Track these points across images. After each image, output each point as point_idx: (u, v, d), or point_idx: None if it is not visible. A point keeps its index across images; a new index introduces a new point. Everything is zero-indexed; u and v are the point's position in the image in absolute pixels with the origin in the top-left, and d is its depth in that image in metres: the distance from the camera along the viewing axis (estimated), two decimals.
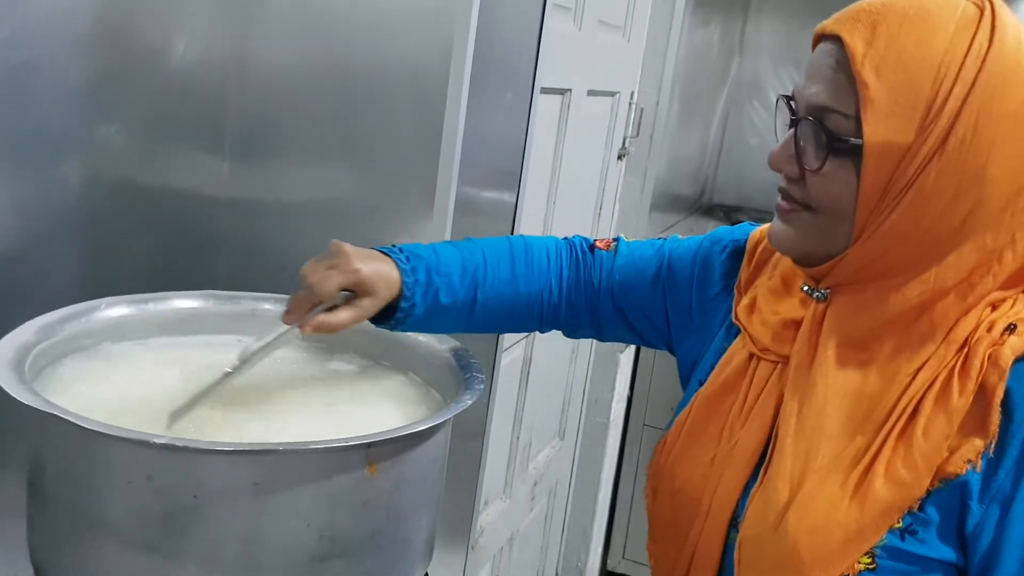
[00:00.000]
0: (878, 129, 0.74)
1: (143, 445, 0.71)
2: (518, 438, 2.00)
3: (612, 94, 2.14)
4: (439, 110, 1.18)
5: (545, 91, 1.57)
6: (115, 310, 0.98)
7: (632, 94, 2.27)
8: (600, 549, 2.80)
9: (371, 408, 0.95)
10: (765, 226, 0.96)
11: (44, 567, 0.81)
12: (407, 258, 0.95)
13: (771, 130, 2.98)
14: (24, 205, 1.02)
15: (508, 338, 1.68)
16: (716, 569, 0.86)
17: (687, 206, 3.09)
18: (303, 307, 0.89)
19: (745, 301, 0.92)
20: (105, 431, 0.71)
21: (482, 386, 0.90)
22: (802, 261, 0.84)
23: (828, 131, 0.76)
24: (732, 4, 3.06)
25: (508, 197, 1.48)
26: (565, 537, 2.62)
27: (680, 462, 0.90)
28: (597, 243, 1.07)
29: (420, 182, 1.22)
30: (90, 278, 1.11)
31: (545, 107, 1.66)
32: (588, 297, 1.05)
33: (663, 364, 2.67)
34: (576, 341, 2.30)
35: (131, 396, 0.88)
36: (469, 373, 0.93)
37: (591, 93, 1.94)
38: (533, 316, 1.05)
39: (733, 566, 0.83)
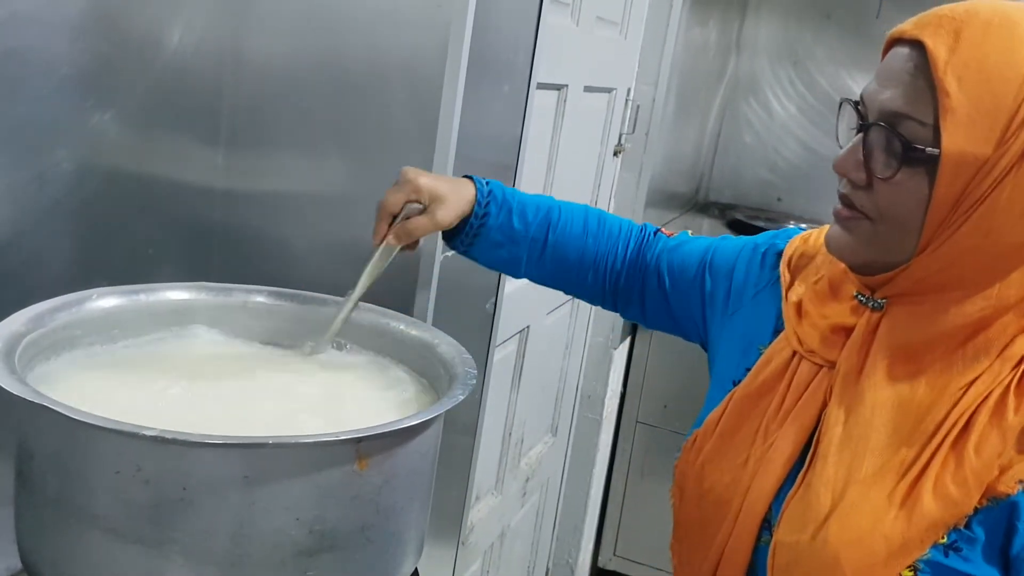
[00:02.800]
0: (957, 139, 0.72)
1: (133, 436, 0.70)
2: (510, 433, 2.00)
3: (609, 90, 2.14)
4: (435, 104, 1.18)
5: (542, 86, 1.57)
6: (107, 301, 0.97)
7: (628, 91, 2.27)
8: (591, 546, 2.81)
9: (363, 403, 0.94)
10: (807, 232, 0.97)
11: (31, 557, 0.80)
12: (486, 181, 1.06)
13: (767, 129, 2.99)
14: (17, 193, 1.02)
15: (502, 333, 1.68)
16: (744, 573, 0.85)
17: (683, 203, 3.09)
18: (384, 225, 1.01)
19: (792, 299, 0.91)
20: (95, 422, 0.70)
21: (474, 381, 0.89)
22: (860, 270, 0.83)
23: (903, 138, 0.74)
24: (730, 2, 3.06)
25: None
26: (556, 533, 2.62)
27: (711, 462, 0.89)
28: (663, 230, 1.13)
29: None
30: (82, 266, 1.11)
31: (541, 102, 1.66)
32: (641, 272, 1.10)
33: (656, 361, 2.67)
34: (571, 336, 2.30)
35: (121, 387, 0.88)
36: (462, 368, 0.93)
37: (588, 89, 1.94)
38: (598, 276, 1.10)
39: (763, 570, 0.82)
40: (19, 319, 0.86)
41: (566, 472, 2.57)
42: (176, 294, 1.03)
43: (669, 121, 2.56)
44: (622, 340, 2.57)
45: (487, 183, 1.06)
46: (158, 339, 1.00)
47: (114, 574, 0.75)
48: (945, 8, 0.75)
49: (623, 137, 2.29)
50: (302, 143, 1.27)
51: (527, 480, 2.20)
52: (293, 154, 1.29)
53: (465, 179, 1.06)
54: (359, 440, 0.76)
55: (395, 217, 1.01)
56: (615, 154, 2.29)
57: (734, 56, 3.23)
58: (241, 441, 0.73)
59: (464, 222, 1.04)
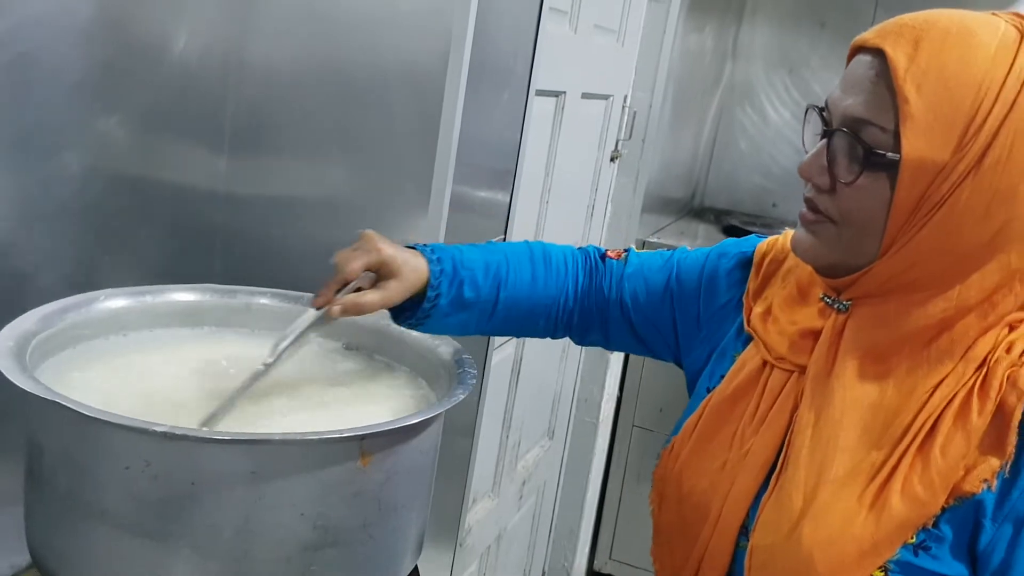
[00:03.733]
0: (916, 144, 0.74)
1: (143, 433, 0.72)
2: (507, 437, 2.02)
3: (606, 97, 2.16)
4: (436, 110, 1.20)
5: (540, 93, 1.59)
6: (114, 302, 0.99)
7: (625, 97, 2.29)
8: (587, 549, 2.82)
9: (365, 403, 0.96)
10: (772, 238, 0.99)
11: (41, 552, 0.82)
12: (432, 251, 0.99)
13: (762, 135, 3.01)
14: (24, 195, 1.04)
15: (499, 337, 1.69)
16: (725, 575, 0.87)
17: (678, 208, 3.11)
18: (331, 290, 0.92)
19: (759, 309, 0.92)
20: (106, 418, 0.72)
21: (474, 381, 0.91)
22: (825, 272, 0.84)
23: (865, 144, 0.76)
24: (726, 10, 3.08)
25: (502, 196, 1.50)
26: (552, 537, 2.63)
27: (688, 467, 0.91)
28: (608, 253, 1.10)
29: (416, 180, 1.23)
30: (87, 268, 1.13)
31: (540, 109, 1.68)
32: (599, 304, 1.07)
33: (653, 365, 2.68)
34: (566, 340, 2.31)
35: (129, 386, 0.90)
36: (462, 369, 0.94)
37: (585, 96, 1.96)
38: (550, 319, 1.07)
39: (742, 572, 0.84)
40: (30, 319, 0.88)
41: (562, 475, 2.59)
42: (182, 295, 1.05)
43: (665, 127, 2.59)
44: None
45: (436, 256, 0.98)
46: (164, 338, 1.02)
47: (122, 568, 0.76)
48: (906, 17, 0.77)
49: (620, 143, 2.31)
50: (304, 148, 1.29)
51: (524, 483, 2.22)
52: (295, 159, 1.31)
53: (413, 251, 0.98)
54: (362, 437, 0.78)
55: (344, 285, 0.93)
56: (612, 160, 2.31)
57: (730, 63, 3.26)
58: (248, 437, 0.76)
59: (413, 301, 0.97)
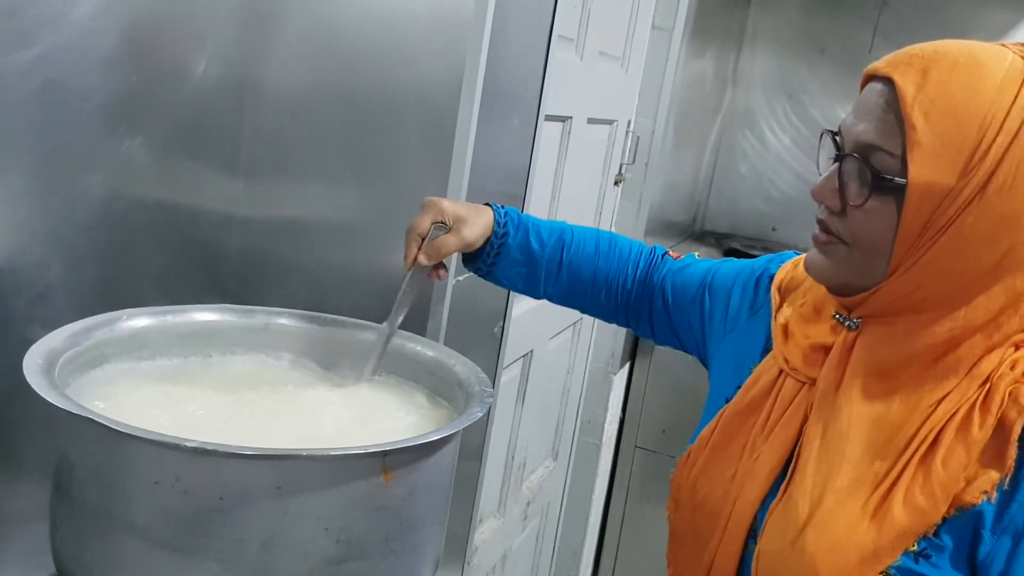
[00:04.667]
0: (923, 170, 0.76)
1: (174, 448, 0.74)
2: (513, 457, 2.04)
3: (610, 122, 2.20)
4: (449, 135, 1.22)
5: (548, 118, 1.62)
6: (137, 321, 1.01)
7: (629, 122, 2.33)
8: (589, 571, 2.83)
9: (382, 419, 0.98)
10: (798, 257, 1.02)
11: (69, 566, 0.83)
12: (502, 206, 1.14)
13: (762, 160, 3.05)
14: (49, 216, 1.06)
15: (507, 357, 1.71)
16: None
17: (680, 232, 3.14)
18: (412, 249, 1.07)
19: (780, 321, 0.96)
20: (137, 434, 0.74)
21: (491, 400, 0.93)
22: (837, 291, 0.87)
23: (873, 169, 0.79)
24: (726, 37, 3.13)
25: None
26: (556, 557, 2.64)
27: (703, 476, 0.94)
28: (671, 252, 1.19)
29: None
30: (108, 289, 1.15)
31: (547, 133, 1.71)
32: (649, 292, 1.16)
33: (655, 386, 2.71)
34: (572, 361, 2.34)
35: (156, 402, 0.92)
36: (478, 387, 0.97)
37: (591, 121, 1.99)
38: (611, 294, 1.17)
39: (750, 575, 0.86)
40: (57, 337, 0.90)
41: (566, 496, 2.60)
42: (202, 315, 1.07)
43: (668, 152, 2.62)
44: (621, 365, 2.61)
45: (503, 207, 1.14)
46: (188, 357, 1.04)
47: None
48: (916, 47, 0.80)
49: (624, 167, 2.34)
50: (319, 172, 1.32)
51: (528, 504, 2.23)
52: (310, 182, 1.33)
53: (482, 204, 1.13)
54: (385, 453, 0.80)
55: (423, 240, 1.07)
56: (616, 184, 2.34)
57: (730, 89, 3.30)
58: (275, 453, 0.77)
59: (484, 244, 1.12)
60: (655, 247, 1.21)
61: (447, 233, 1.07)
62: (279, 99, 1.31)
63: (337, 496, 0.79)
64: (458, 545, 1.63)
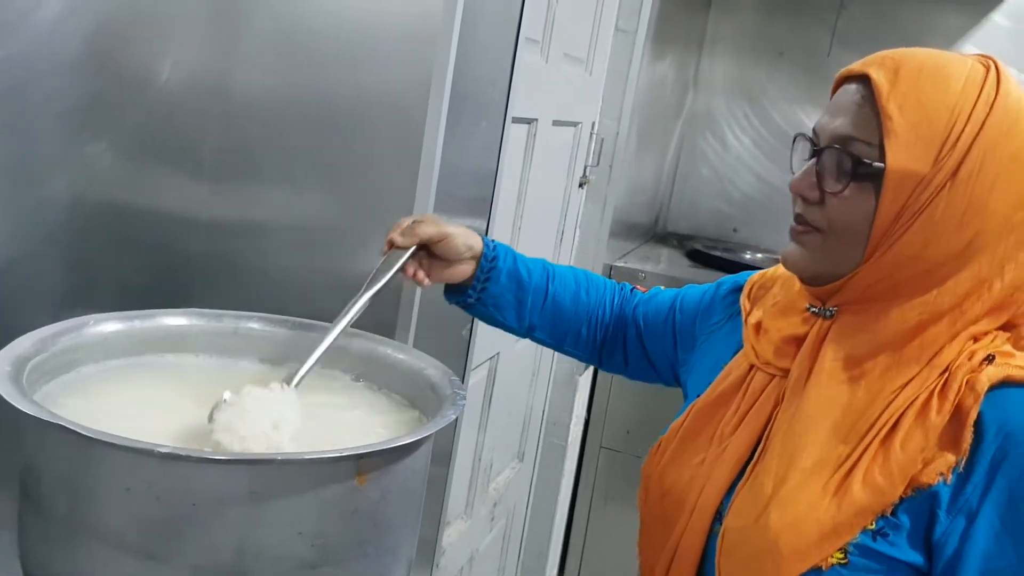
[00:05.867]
0: (899, 157, 0.82)
1: (146, 454, 0.73)
2: (480, 459, 2.04)
3: (575, 124, 2.21)
4: (417, 139, 1.23)
5: (515, 120, 1.62)
6: (105, 326, 1.00)
7: (593, 124, 2.34)
8: (555, 571, 2.84)
9: (355, 424, 0.99)
10: (764, 270, 1.08)
11: (37, 574, 0.83)
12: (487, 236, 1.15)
13: (723, 162, 3.09)
14: (13, 221, 1.05)
15: (476, 357, 1.72)
16: (698, 559, 0.93)
17: (643, 233, 3.17)
18: (390, 235, 1.06)
19: (752, 321, 1.00)
20: (108, 440, 0.73)
21: (464, 403, 0.94)
22: (812, 282, 0.92)
23: (853, 156, 0.85)
24: (688, 40, 3.16)
25: (479, 223, 1.53)
26: (522, 558, 2.65)
27: (671, 464, 0.97)
28: (638, 287, 1.25)
29: (397, 207, 1.25)
30: (73, 293, 1.14)
31: (514, 136, 1.71)
32: (621, 326, 1.20)
33: (620, 387, 2.72)
34: (537, 363, 2.35)
35: (123, 407, 0.91)
36: (451, 390, 0.97)
37: (556, 123, 2.00)
38: (590, 328, 1.20)
39: (714, 556, 0.89)
40: (24, 343, 0.89)
41: (532, 497, 2.61)
42: (171, 319, 1.07)
43: (631, 154, 2.64)
44: (586, 367, 2.63)
45: (492, 241, 1.15)
46: (156, 361, 1.04)
47: None
48: (887, 51, 0.87)
49: (588, 169, 2.36)
50: (286, 176, 1.32)
51: (495, 505, 2.24)
52: (277, 187, 1.33)
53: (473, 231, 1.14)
54: (359, 457, 0.80)
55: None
56: (581, 186, 2.35)
57: (691, 92, 3.33)
58: (248, 457, 0.77)
59: (472, 272, 1.13)
60: (623, 284, 1.26)
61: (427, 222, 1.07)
62: (245, 103, 1.30)
63: (311, 500, 0.79)
64: (427, 548, 1.63)
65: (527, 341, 1.40)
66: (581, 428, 2.76)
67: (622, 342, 1.21)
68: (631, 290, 1.24)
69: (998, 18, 2.93)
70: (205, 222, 1.33)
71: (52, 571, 0.81)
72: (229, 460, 0.76)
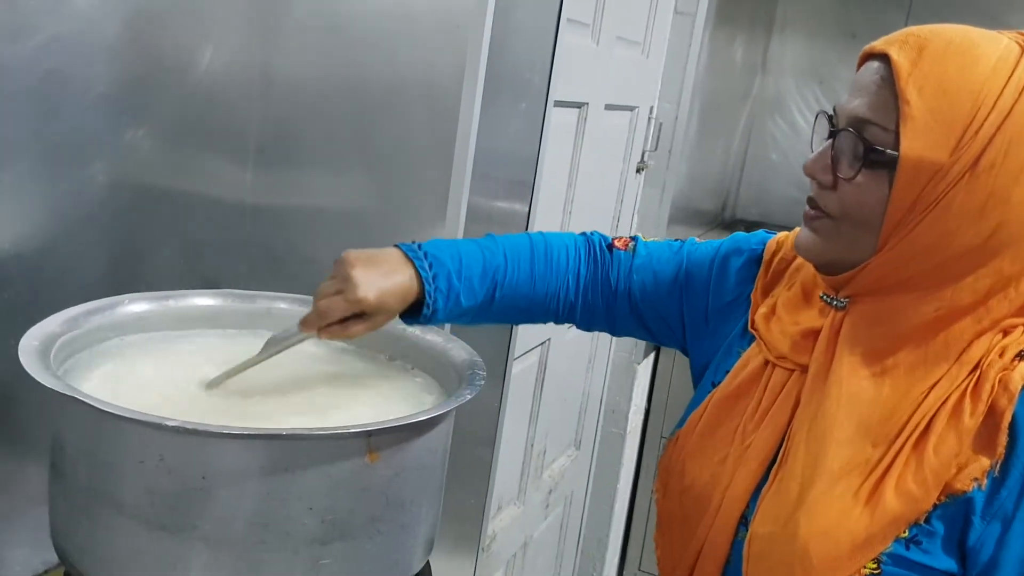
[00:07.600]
0: (915, 144, 0.77)
1: (156, 427, 0.75)
2: (532, 445, 2.03)
3: (631, 108, 2.18)
4: (452, 121, 1.22)
5: (560, 104, 1.61)
6: (137, 306, 1.03)
7: (651, 108, 2.31)
8: (616, 560, 2.82)
9: (379, 403, 0.99)
10: (781, 235, 1.01)
11: (63, 544, 0.85)
12: (430, 265, 0.96)
13: (793, 147, 3.03)
14: (54, 205, 1.08)
15: (521, 345, 1.71)
16: (723, 564, 0.89)
17: (708, 220, 3.12)
18: (312, 323, 0.93)
19: (763, 309, 0.95)
20: (120, 413, 0.75)
21: (482, 383, 0.93)
22: (825, 269, 0.87)
23: (866, 141, 0.79)
24: (755, 23, 3.09)
25: (520, 207, 1.52)
26: (581, 546, 2.64)
27: (691, 459, 0.93)
28: (615, 242, 1.08)
29: (434, 190, 1.26)
30: (113, 276, 1.16)
31: (561, 120, 1.70)
32: (605, 296, 1.07)
33: (681, 375, 2.69)
34: (594, 350, 2.33)
35: (150, 382, 0.93)
36: (472, 371, 0.97)
37: (609, 107, 1.98)
38: (549, 311, 1.08)
39: (739, 561, 0.86)
40: (55, 321, 0.92)
41: (590, 486, 2.59)
42: (203, 300, 1.09)
43: (692, 139, 2.60)
44: (645, 356, 2.60)
45: (430, 267, 0.96)
46: (185, 338, 1.06)
47: (139, 559, 0.79)
48: (914, 28, 0.80)
49: (646, 154, 2.33)
50: (326, 160, 1.33)
51: (550, 492, 2.23)
52: (317, 171, 1.34)
53: (405, 263, 0.96)
54: (370, 434, 0.80)
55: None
56: (638, 171, 2.32)
57: (759, 75, 3.26)
58: (259, 433, 0.78)
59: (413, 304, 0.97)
60: (591, 238, 1.10)
61: (357, 318, 0.93)
62: (287, 88, 1.32)
63: (321, 476, 0.79)
64: (472, 532, 1.63)
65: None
66: (642, 417, 2.74)
67: (603, 312, 1.08)
68: (608, 247, 1.08)
69: None
70: (248, 206, 1.35)
71: (75, 542, 0.84)
72: (239, 435, 0.77)
